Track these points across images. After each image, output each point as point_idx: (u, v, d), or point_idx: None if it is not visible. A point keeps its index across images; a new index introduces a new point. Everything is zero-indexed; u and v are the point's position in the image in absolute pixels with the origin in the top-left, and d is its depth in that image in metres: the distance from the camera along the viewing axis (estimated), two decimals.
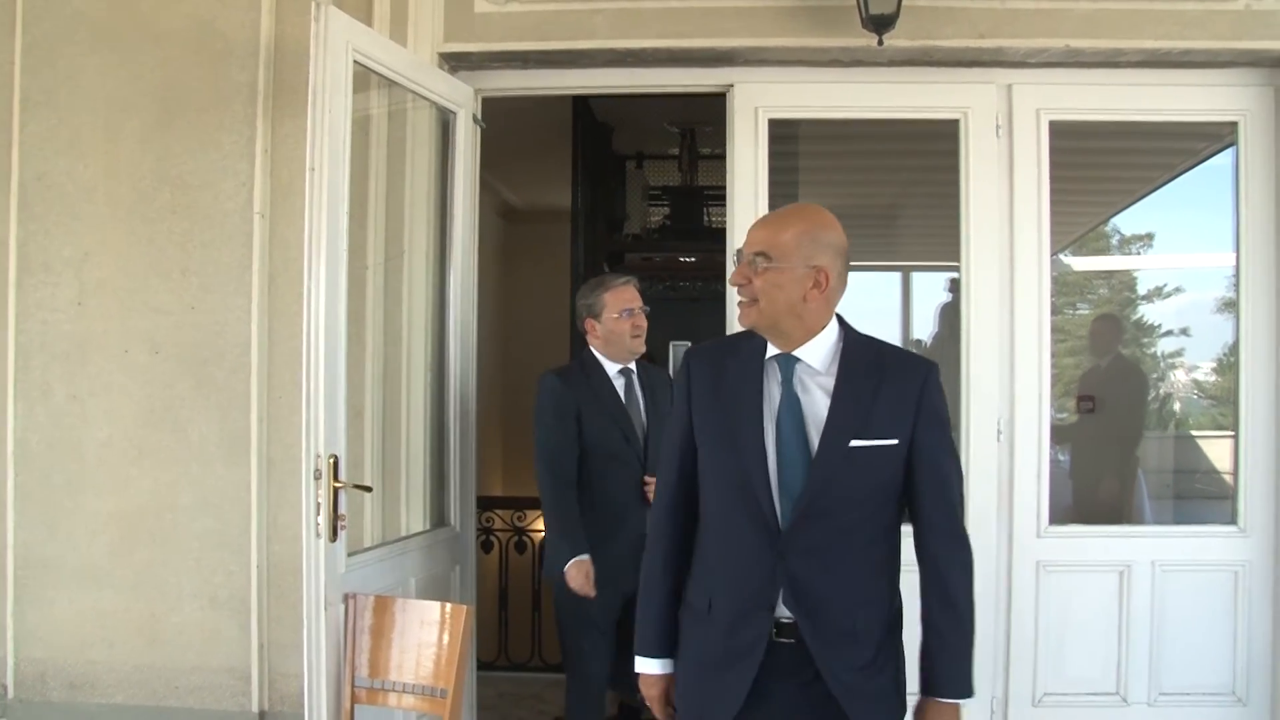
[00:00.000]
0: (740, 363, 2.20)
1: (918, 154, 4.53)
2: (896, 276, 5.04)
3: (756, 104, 3.99)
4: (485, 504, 5.42)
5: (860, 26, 3.63)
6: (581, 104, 6.05)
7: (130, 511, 3.80)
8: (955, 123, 3.95)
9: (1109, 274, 5.14)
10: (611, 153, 6.80)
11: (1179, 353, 4.93)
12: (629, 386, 3.67)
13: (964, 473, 2.37)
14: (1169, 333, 4.87)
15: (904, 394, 2.13)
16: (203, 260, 3.80)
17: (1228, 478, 4.18)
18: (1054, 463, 4.05)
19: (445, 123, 3.93)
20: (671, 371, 5.01)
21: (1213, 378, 4.87)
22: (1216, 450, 4.71)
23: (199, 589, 3.79)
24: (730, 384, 2.19)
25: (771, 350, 2.17)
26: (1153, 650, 3.91)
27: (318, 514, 3.10)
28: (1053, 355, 3.98)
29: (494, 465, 8.20)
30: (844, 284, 2.17)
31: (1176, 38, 3.72)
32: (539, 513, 5.84)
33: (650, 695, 2.31)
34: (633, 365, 3.69)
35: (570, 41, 3.88)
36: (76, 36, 3.84)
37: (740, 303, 2.17)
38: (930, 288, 5.35)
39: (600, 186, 6.53)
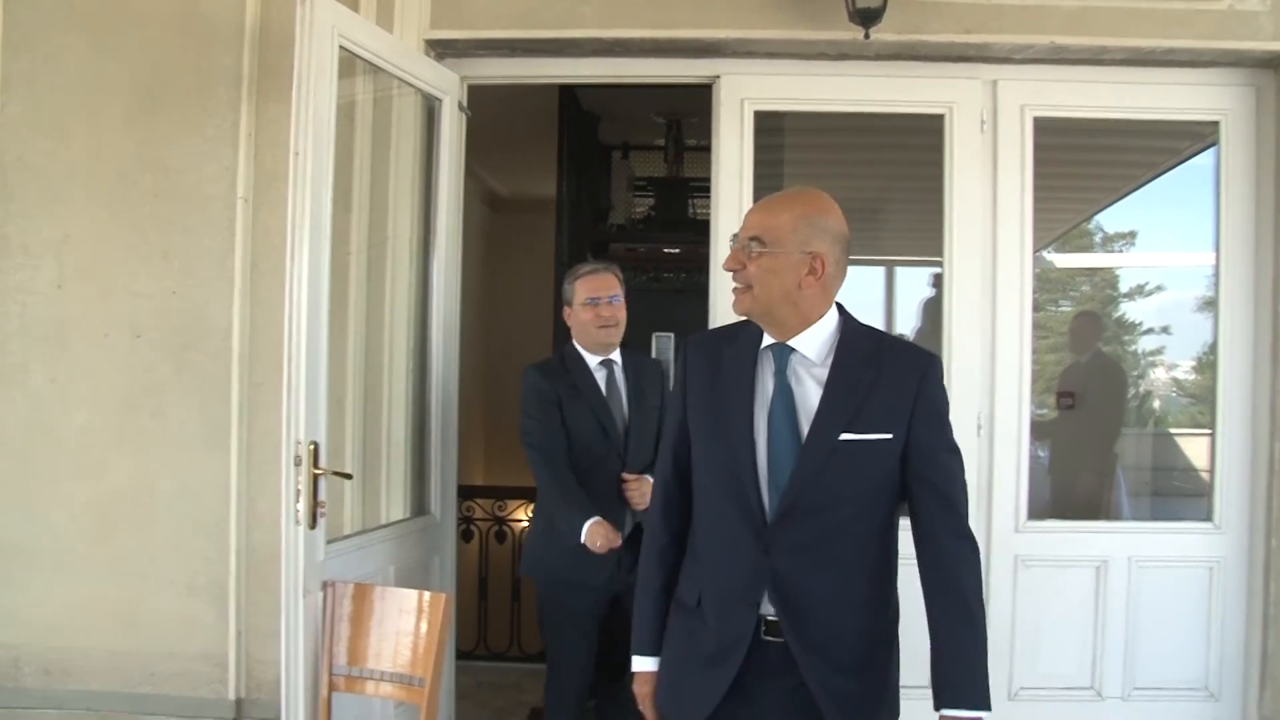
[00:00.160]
0: (736, 352, 2.15)
1: (903, 148, 4.54)
2: (880, 271, 5.05)
3: (742, 96, 3.99)
4: (466, 493, 5.40)
5: (847, 20, 3.63)
6: (568, 93, 6.03)
7: (108, 497, 3.77)
8: (940, 118, 3.97)
9: (1091, 271, 5.16)
10: (597, 143, 6.78)
11: (1159, 351, 4.95)
12: (610, 379, 3.56)
13: None
14: (1150, 330, 4.89)
15: (901, 387, 2.06)
16: (185, 245, 3.76)
17: (1205, 475, 4.22)
18: (1033, 458, 4.07)
19: (431, 110, 3.92)
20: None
21: (1192, 376, 4.90)
22: (1194, 448, 4.74)
23: (177, 575, 3.76)
24: (725, 374, 2.14)
25: (767, 340, 2.12)
26: (1128, 645, 3.94)
27: (297, 501, 3.09)
28: (1034, 351, 4.00)
29: (475, 454, 8.18)
30: (843, 272, 2.11)
31: (1160, 36, 3.74)
32: (520, 502, 5.89)
33: (641, 694, 2.27)
34: (616, 357, 3.57)
35: (557, 30, 3.87)
36: (58, 17, 3.79)
37: (734, 289, 2.12)
38: (914, 282, 5.37)
39: (585, 176, 6.50)
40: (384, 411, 3.88)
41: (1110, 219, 5.05)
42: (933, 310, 4.43)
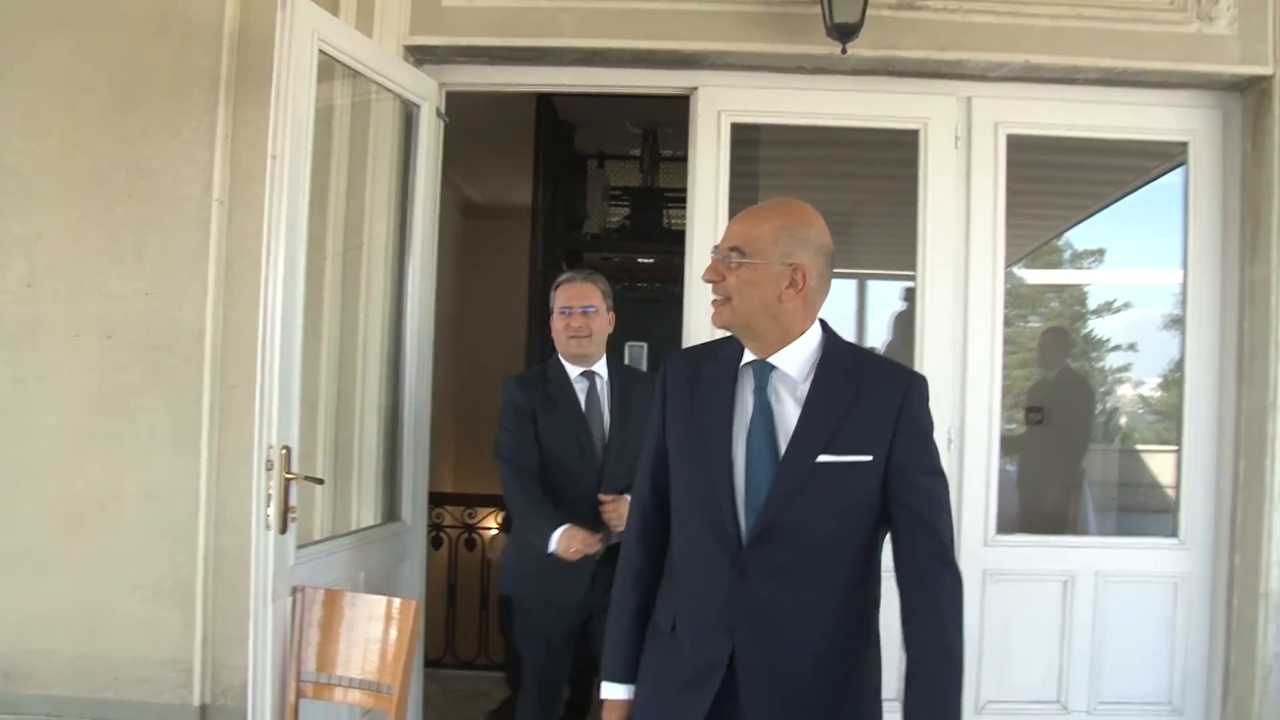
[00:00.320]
0: (716, 369, 2.08)
1: (877, 162, 4.59)
2: (852, 284, 5.08)
3: (720, 108, 4.01)
4: (436, 500, 5.38)
5: (824, 35, 3.66)
6: (544, 101, 6.04)
7: (75, 498, 3.73)
8: (915, 133, 4.00)
9: (1060, 288, 5.23)
10: (573, 151, 6.80)
11: (1126, 367, 5.02)
12: (592, 392, 3.45)
13: None
14: (1117, 347, 4.96)
15: (882, 407, 1.98)
16: (158, 246, 3.74)
17: (1170, 492, 4.28)
18: (1001, 472, 4.10)
19: (409, 115, 3.91)
20: None
21: (1158, 393, 4.97)
22: (1160, 464, 4.81)
23: (143, 579, 3.73)
24: (704, 392, 2.07)
25: (747, 356, 2.05)
26: (1094, 659, 3.97)
27: (268, 505, 3.07)
28: (1004, 366, 4.04)
29: (445, 462, 8.15)
30: (826, 286, 2.05)
31: (1131, 58, 3.80)
32: (490, 510, 5.87)
33: None
34: (600, 369, 3.47)
35: (536, 39, 3.88)
36: (34, 14, 3.77)
37: (713, 301, 2.05)
38: (886, 296, 5.42)
39: (561, 184, 6.52)
40: (356, 416, 3.86)
41: (1079, 236, 5.13)
42: (904, 324, 4.47)
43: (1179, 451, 4.02)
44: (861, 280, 5.18)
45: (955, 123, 3.97)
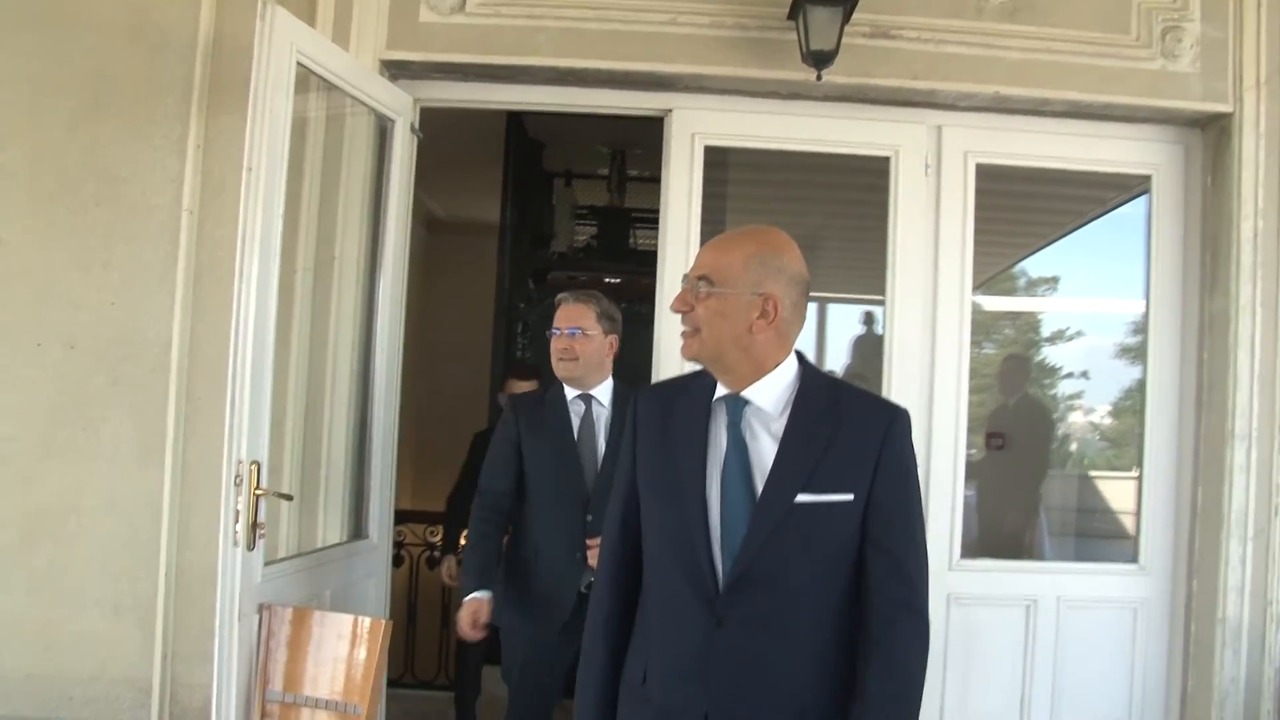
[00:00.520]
0: (688, 404, 1.98)
1: (842, 187, 4.64)
2: (813, 306, 5.12)
3: (694, 130, 4.03)
4: (397, 517, 5.32)
5: (800, 60, 3.70)
6: (514, 119, 6.05)
7: (33, 512, 3.63)
8: (886, 160, 4.04)
9: (1015, 315, 5.31)
10: (541, 170, 6.80)
11: (1078, 395, 5.11)
12: (586, 417, 3.29)
13: None
14: (1069, 375, 5.04)
15: (863, 444, 1.89)
16: (126, 255, 3.67)
17: (1122, 518, 4.35)
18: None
19: (383, 130, 3.90)
20: None
21: (1109, 420, 5.06)
22: (1112, 490, 4.90)
23: (102, 595, 3.63)
24: (677, 428, 1.97)
25: (720, 390, 1.96)
26: (1055, 683, 4.01)
27: (236, 521, 3.03)
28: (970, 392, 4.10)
29: (404, 478, 8.06)
30: (801, 317, 1.96)
31: (1098, 92, 3.88)
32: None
33: None
34: (600, 393, 3.32)
35: (512, 57, 3.88)
36: (3, 17, 3.69)
37: (683, 333, 1.96)
38: (846, 319, 5.48)
39: (529, 202, 6.52)
40: (324, 433, 3.82)
41: (1033, 264, 5.22)
42: (863, 348, 4.52)
43: (1140, 478, 4.09)
44: (822, 304, 5.24)
45: (926, 151, 4.02)
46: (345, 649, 2.99)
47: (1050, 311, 5.19)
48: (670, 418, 2.00)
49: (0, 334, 3.67)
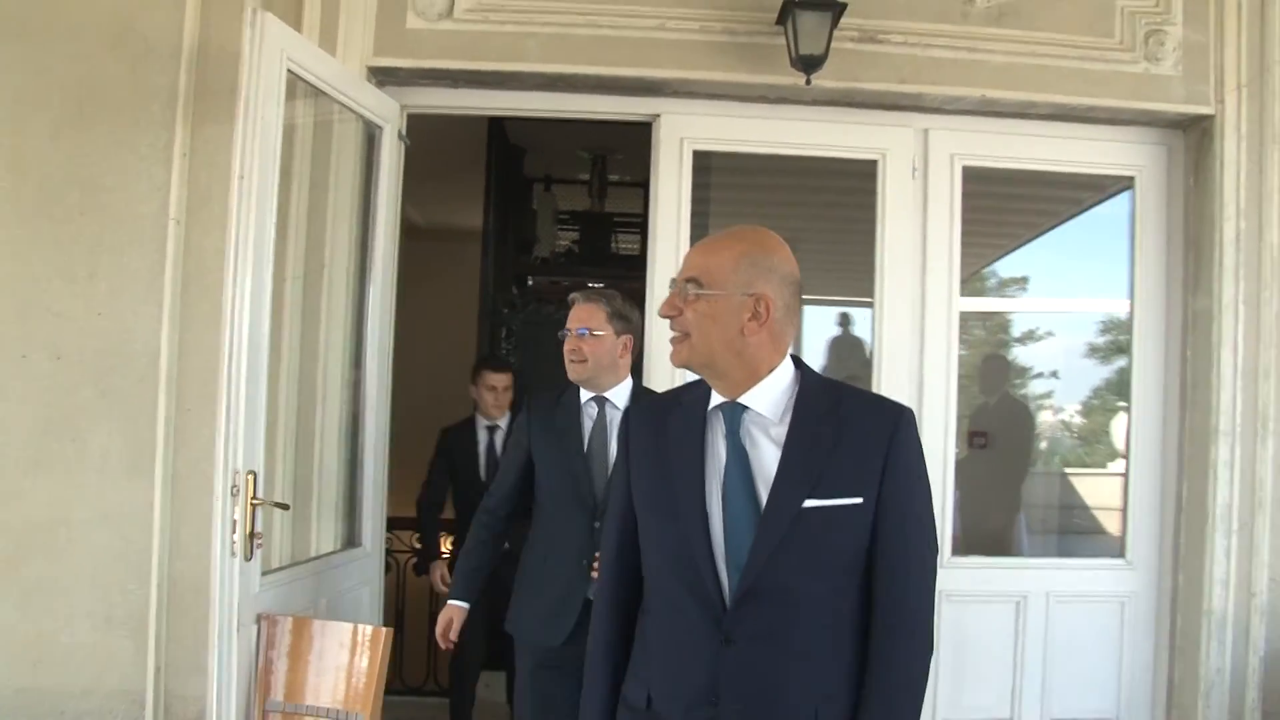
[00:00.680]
0: (683, 416, 1.91)
1: (826, 190, 4.66)
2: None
3: (682, 135, 4.05)
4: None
5: (788, 65, 3.73)
6: (496, 125, 6.04)
7: (21, 525, 3.58)
8: (873, 163, 4.08)
9: (986, 315, 5.36)
10: (522, 175, 6.79)
11: (1048, 394, 5.17)
12: (599, 420, 3.13)
13: None
14: (1039, 374, 5.10)
15: (869, 445, 1.81)
16: (112, 265, 3.63)
17: (1096, 513, 4.41)
18: None
19: (370, 137, 3.89)
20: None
21: (1079, 419, 5.12)
22: (1085, 487, 4.97)
23: (94, 607, 3.60)
24: (671, 441, 1.89)
25: (716, 399, 1.88)
26: (1045, 677, 4.07)
27: (233, 531, 3.01)
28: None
29: (388, 485, 8.03)
30: (795, 319, 1.89)
31: (1083, 94, 3.93)
32: (440, 535, 5.77)
33: None
34: (614, 395, 3.14)
35: (501, 63, 3.88)
36: None
37: (672, 338, 1.88)
38: (825, 322, 5.50)
39: (511, 208, 6.51)
40: (316, 441, 3.81)
41: (1010, 264, 5.26)
42: (839, 349, 4.55)
43: (1126, 475, 4.15)
44: (806, 306, 5.25)
45: (913, 154, 4.06)
46: (346, 658, 2.98)
47: (1033, 311, 5.23)
48: (664, 432, 1.92)
49: None
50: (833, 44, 3.67)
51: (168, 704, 3.63)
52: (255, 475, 3.07)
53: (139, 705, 3.60)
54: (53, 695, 3.61)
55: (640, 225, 6.86)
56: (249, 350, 3.06)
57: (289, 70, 3.25)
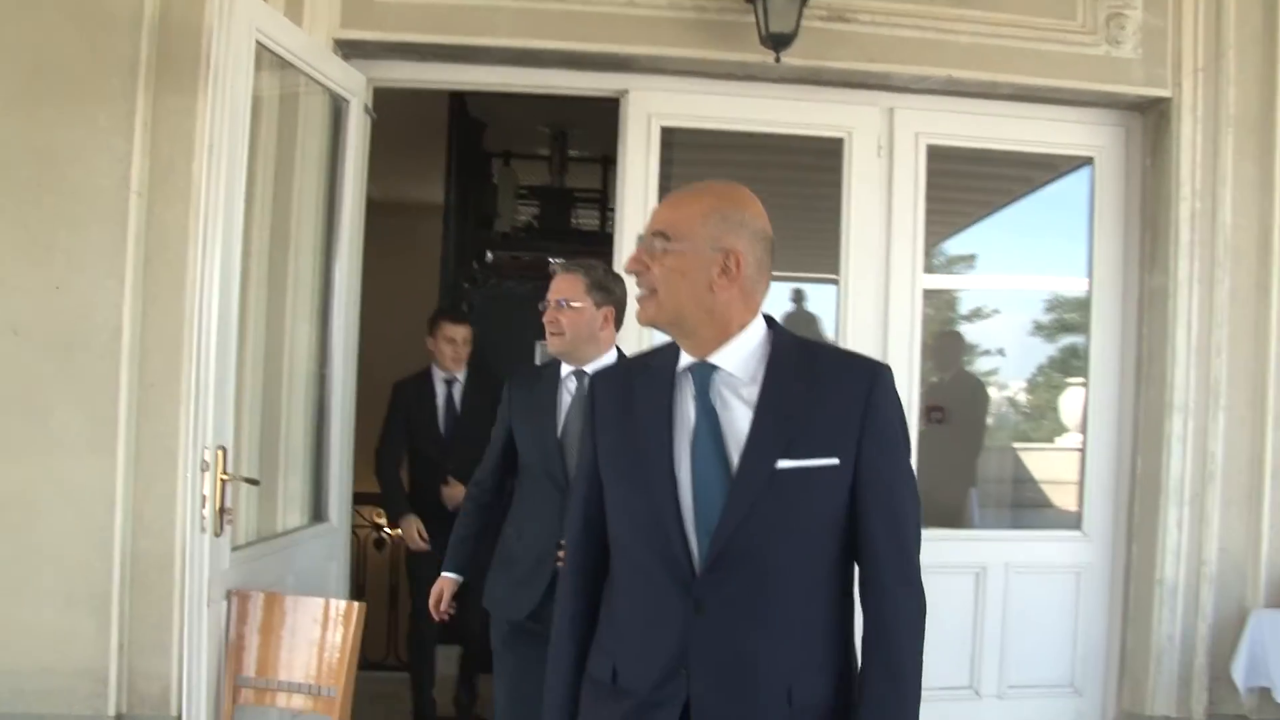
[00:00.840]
0: (649, 379, 1.83)
1: (792, 167, 4.68)
2: None
3: (650, 111, 4.06)
4: None
5: (758, 43, 3.75)
6: (456, 99, 5.98)
7: None
8: (839, 141, 4.12)
9: (933, 293, 5.43)
10: (482, 150, 6.74)
11: (994, 371, 5.26)
12: (578, 394, 3.04)
13: None
14: (986, 352, 5.19)
15: (845, 403, 1.72)
16: (71, 239, 3.55)
17: (1044, 487, 4.50)
18: None
19: (337, 110, 3.85)
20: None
21: (1024, 395, 5.23)
22: (1033, 461, 5.09)
23: (55, 586, 3.53)
24: (637, 405, 1.81)
25: (685, 359, 1.79)
26: (1003, 646, 4.18)
27: (204, 507, 2.98)
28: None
29: None
30: (766, 276, 1.79)
31: (1044, 75, 4.00)
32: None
33: None
34: (594, 369, 2.99)
35: (469, 37, 3.86)
36: None
37: (638, 296, 1.80)
38: (778, 297, 5.54)
39: (471, 183, 6.46)
40: (283, 416, 3.78)
41: (962, 241, 5.33)
42: (792, 325, 4.57)
43: (1083, 450, 4.25)
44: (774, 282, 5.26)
45: (879, 133, 4.11)
46: (319, 632, 2.97)
47: (992, 289, 5.28)
48: (630, 396, 1.84)
49: None
50: (802, 22, 3.69)
51: (131, 681, 3.59)
52: (225, 450, 3.04)
53: (102, 683, 3.56)
54: (12, 675, 3.55)
55: (600, 201, 6.86)
56: (219, 324, 3.01)
57: (257, 41, 3.20)
